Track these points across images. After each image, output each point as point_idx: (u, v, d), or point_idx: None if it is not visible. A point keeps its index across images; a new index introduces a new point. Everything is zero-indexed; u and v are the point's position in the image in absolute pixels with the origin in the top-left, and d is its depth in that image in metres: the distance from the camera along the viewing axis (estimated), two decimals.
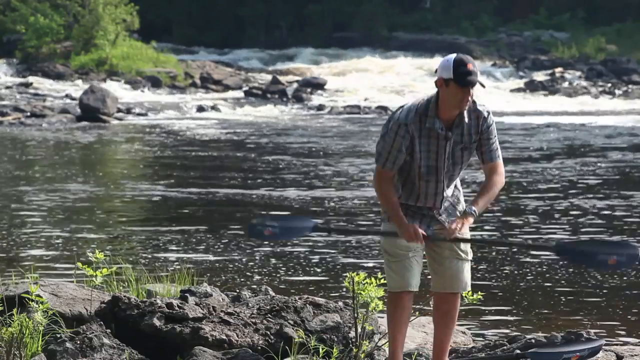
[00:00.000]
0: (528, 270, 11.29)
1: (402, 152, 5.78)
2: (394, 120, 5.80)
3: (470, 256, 5.97)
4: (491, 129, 5.83)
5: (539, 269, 11.35)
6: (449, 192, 5.92)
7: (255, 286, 8.54)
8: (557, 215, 14.77)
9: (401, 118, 5.77)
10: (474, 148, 5.84)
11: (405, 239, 5.76)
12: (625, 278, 10.93)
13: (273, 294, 7.36)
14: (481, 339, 7.95)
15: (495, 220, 14.39)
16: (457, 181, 6.01)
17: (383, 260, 6.05)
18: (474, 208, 5.79)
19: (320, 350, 6.45)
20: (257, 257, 11.99)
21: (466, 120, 5.78)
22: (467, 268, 5.94)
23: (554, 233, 13.35)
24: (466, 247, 5.94)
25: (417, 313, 6.77)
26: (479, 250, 12.35)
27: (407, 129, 5.74)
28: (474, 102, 5.78)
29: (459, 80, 5.61)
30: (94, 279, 6.77)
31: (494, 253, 12.22)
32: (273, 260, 11.82)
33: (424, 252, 5.95)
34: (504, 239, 6.34)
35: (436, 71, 5.74)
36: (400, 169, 5.86)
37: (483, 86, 5.69)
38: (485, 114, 5.82)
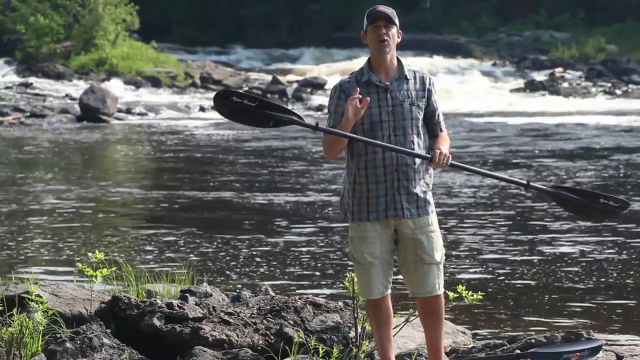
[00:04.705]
0: (528, 270, 11.29)
1: (340, 113, 5.80)
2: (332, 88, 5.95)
3: (437, 259, 5.80)
4: (436, 96, 5.90)
5: (539, 268, 11.35)
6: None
7: (255, 286, 8.54)
8: (560, 216, 14.77)
9: (337, 83, 5.96)
10: (423, 106, 5.82)
11: (352, 115, 5.68)
12: (624, 278, 10.92)
13: (273, 294, 7.36)
14: (481, 339, 7.94)
15: (496, 221, 14.41)
16: (430, 170, 5.83)
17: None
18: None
19: (320, 350, 6.45)
20: (256, 257, 11.98)
21: (409, 77, 5.88)
22: (433, 271, 5.79)
23: (560, 238, 13.36)
24: (433, 250, 5.79)
25: (417, 313, 6.75)
26: (478, 250, 12.36)
27: (342, 88, 5.89)
28: (415, 71, 5.91)
29: (369, 19, 5.90)
30: (94, 279, 6.77)
31: (494, 252, 12.23)
32: (273, 260, 11.82)
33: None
34: (483, 170, 6.17)
35: None
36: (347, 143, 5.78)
37: (394, 22, 5.91)
38: (429, 77, 5.96)
